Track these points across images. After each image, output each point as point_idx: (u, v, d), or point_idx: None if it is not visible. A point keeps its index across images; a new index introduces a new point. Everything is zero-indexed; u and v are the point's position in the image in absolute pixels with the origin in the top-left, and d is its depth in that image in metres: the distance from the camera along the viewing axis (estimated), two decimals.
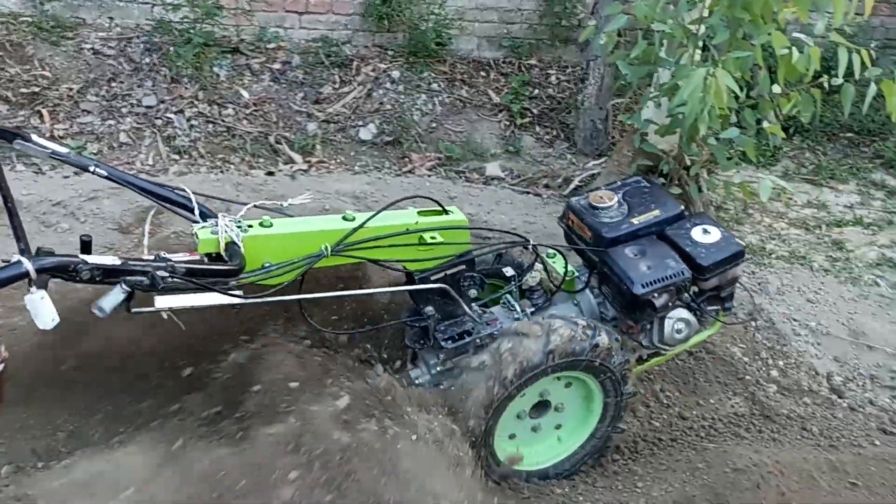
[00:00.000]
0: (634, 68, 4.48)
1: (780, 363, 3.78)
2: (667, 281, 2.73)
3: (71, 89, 5.13)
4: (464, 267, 2.73)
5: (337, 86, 5.92)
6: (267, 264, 2.37)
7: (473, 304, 2.80)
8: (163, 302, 2.13)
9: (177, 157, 5.06)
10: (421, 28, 6.11)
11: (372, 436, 2.25)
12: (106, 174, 2.42)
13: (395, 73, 6.08)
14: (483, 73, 6.47)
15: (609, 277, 2.83)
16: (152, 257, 2.19)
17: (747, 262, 4.32)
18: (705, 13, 4.03)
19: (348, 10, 6.15)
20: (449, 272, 2.69)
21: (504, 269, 2.94)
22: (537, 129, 6.17)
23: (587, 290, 3.00)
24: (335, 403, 2.35)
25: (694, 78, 3.75)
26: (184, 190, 2.54)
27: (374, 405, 2.38)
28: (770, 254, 4.75)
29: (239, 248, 2.32)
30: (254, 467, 2.16)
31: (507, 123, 6.10)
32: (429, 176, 5.41)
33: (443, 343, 2.70)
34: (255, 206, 2.65)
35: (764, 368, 3.74)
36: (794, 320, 4.04)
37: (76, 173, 4.28)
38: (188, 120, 5.26)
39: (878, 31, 7.60)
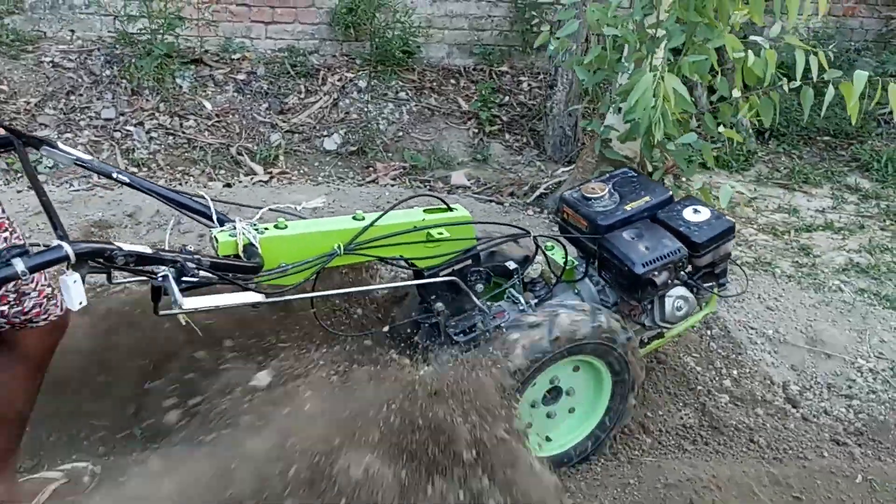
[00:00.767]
0: (591, 74, 4.43)
1: (735, 372, 3.69)
2: (665, 259, 2.85)
3: (28, 103, 5.09)
4: (470, 262, 2.82)
5: (302, 96, 5.88)
6: (283, 265, 2.48)
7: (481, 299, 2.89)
8: (191, 303, 2.16)
9: (135, 169, 5.01)
10: (387, 37, 6.06)
11: None
12: (128, 181, 2.52)
13: (362, 83, 6.03)
14: (453, 81, 6.42)
15: (609, 262, 2.95)
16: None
17: None
18: (664, 16, 3.97)
19: (314, 19, 6.11)
20: (456, 267, 2.79)
21: (507, 263, 3.02)
22: (507, 136, 6.11)
23: (587, 279, 3.11)
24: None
25: (642, 83, 3.70)
26: (203, 197, 2.64)
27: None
28: (734, 260, 4.65)
29: (256, 248, 2.43)
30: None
31: (476, 131, 6.04)
32: (392, 185, 5.35)
33: (455, 337, 2.80)
34: (270, 209, 2.77)
35: (717, 378, 3.65)
36: (752, 328, 3.95)
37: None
38: (147, 132, 5.22)
39: (857, 32, 7.53)
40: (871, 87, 3.43)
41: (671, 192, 3.15)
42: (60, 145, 2.47)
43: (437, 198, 2.91)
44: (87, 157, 2.51)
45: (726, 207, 4.54)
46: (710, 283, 3.11)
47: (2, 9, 5.44)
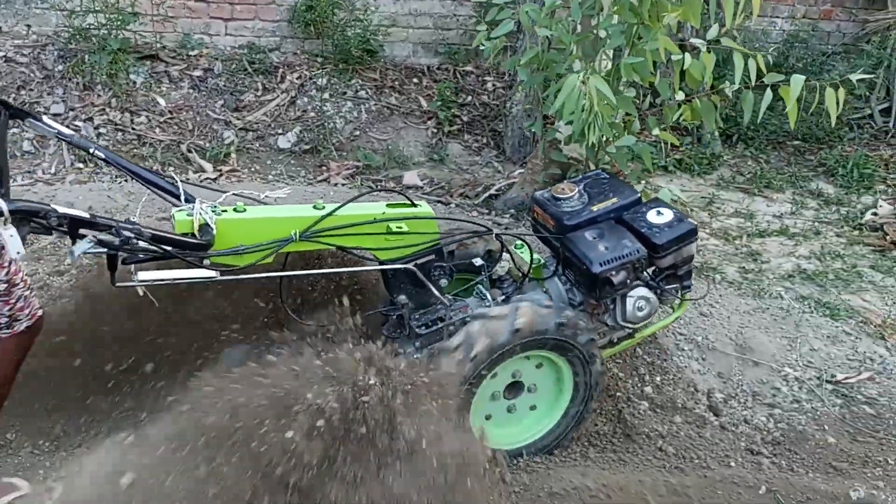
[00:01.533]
0: (531, 75, 4.38)
1: (658, 379, 3.62)
2: (623, 259, 2.91)
3: None
4: (433, 256, 2.85)
5: (259, 93, 5.85)
6: (240, 246, 2.53)
7: (447, 294, 2.94)
8: (144, 276, 2.31)
9: (81, 165, 5.00)
10: (346, 35, 6.02)
11: None
12: (104, 157, 2.67)
13: (322, 81, 5.99)
14: (416, 80, 6.37)
15: (571, 261, 3.01)
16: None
17: None
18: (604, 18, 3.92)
19: (275, 16, 6.08)
20: (420, 261, 2.83)
21: (473, 260, 3.08)
22: (466, 136, 6.06)
23: (555, 278, 3.16)
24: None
25: (567, 84, 3.64)
26: (173, 178, 2.76)
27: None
28: None
29: (211, 229, 2.46)
30: None
31: (435, 131, 5.99)
32: (343, 185, 5.31)
33: (417, 330, 2.86)
34: (233, 194, 2.80)
35: (639, 385, 3.58)
36: (681, 334, 3.88)
37: None
38: (96, 128, 5.20)
39: (834, 35, 7.43)
40: (818, 91, 3.45)
41: (639, 195, 3.20)
42: (45, 119, 2.61)
43: (402, 194, 2.97)
44: (68, 131, 2.66)
45: None
46: (674, 286, 3.17)
47: None
